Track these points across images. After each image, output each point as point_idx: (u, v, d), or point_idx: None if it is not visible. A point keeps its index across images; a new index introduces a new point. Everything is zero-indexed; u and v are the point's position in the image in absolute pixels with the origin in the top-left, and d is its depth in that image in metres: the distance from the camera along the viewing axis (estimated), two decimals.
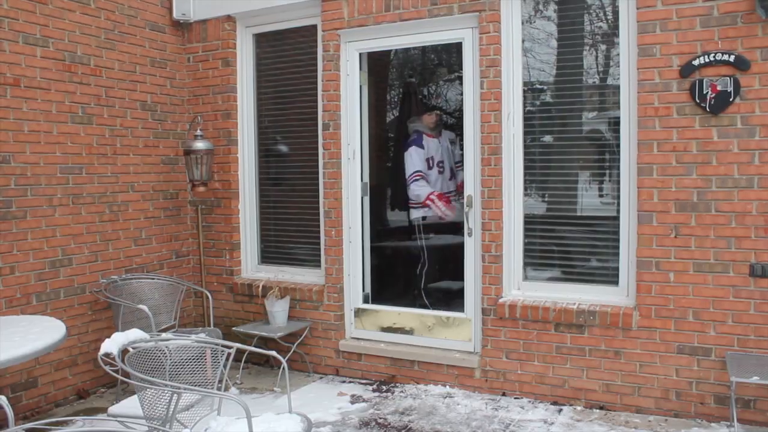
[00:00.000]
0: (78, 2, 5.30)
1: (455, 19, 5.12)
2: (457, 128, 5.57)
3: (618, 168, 4.78)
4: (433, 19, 5.17)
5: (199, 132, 5.83)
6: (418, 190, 5.90)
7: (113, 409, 3.78)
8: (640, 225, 4.62)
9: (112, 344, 3.41)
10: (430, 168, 5.91)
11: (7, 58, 4.87)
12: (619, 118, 4.74)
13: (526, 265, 5.12)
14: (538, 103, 5.15)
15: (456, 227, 5.69)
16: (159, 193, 6.03)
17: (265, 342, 5.58)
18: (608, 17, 4.92)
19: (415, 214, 5.99)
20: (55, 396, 5.17)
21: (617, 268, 4.82)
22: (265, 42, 6.15)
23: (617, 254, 4.81)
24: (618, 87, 4.75)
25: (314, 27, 5.79)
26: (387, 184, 6.78)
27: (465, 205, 5.11)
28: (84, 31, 5.35)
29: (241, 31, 6.11)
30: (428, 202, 5.78)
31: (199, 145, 5.76)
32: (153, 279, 5.69)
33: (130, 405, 3.75)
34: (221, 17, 6.06)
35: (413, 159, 5.86)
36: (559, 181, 5.11)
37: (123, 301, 5.21)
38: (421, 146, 5.85)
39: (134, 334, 3.59)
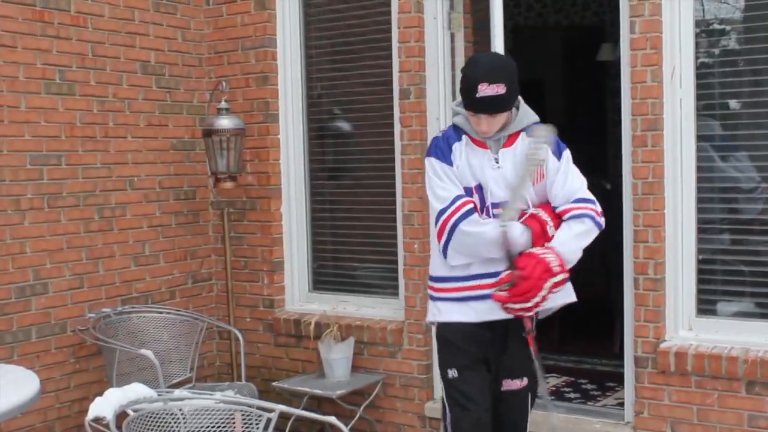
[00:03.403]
0: None
1: None
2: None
3: None
4: None
5: (223, 104, 5.86)
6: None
7: None
8: None
9: (104, 405, 3.42)
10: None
11: None
12: None
13: (700, 293, 4.99)
14: (717, 52, 5.04)
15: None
16: (168, 191, 6.11)
17: (319, 403, 5.59)
18: None
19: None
20: None
21: None
22: None
23: None
24: None
25: None
26: None
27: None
28: None
29: None
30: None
31: (224, 122, 5.79)
32: (161, 313, 5.75)
33: None
34: None
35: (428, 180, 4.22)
36: (751, 167, 4.96)
37: (119, 344, 5.23)
38: (442, 158, 4.14)
39: (135, 391, 3.60)
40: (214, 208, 6.35)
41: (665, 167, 4.95)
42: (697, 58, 4.95)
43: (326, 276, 6.31)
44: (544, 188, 4.06)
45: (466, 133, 4.11)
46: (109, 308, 5.58)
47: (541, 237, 3.97)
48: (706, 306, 5.03)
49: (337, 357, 5.67)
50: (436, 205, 4.09)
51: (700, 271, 5.00)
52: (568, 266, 3.91)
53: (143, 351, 5.14)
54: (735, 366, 4.70)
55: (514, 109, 4.04)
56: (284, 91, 6.23)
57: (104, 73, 5.70)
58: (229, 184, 5.91)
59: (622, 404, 5.20)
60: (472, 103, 3.93)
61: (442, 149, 4.12)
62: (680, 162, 4.96)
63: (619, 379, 5.29)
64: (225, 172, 5.85)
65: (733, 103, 5.02)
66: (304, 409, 5.06)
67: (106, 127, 5.71)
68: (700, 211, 4.99)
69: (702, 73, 4.96)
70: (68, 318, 5.47)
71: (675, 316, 4.98)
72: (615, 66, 5.12)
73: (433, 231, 4.22)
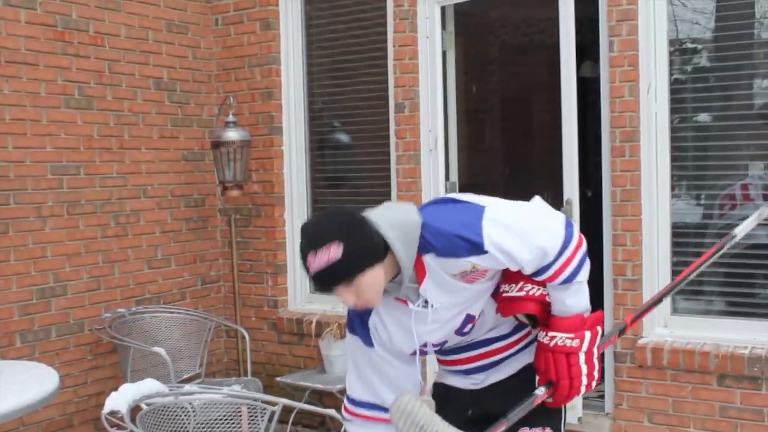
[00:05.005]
0: None
1: None
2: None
3: None
4: None
5: (231, 118, 5.92)
6: None
7: None
8: None
9: (119, 399, 3.45)
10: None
11: None
12: None
13: (675, 293, 4.90)
14: (689, 68, 5.09)
15: None
16: (179, 199, 6.16)
17: (320, 397, 5.63)
18: None
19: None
20: None
21: None
22: None
23: None
24: None
25: None
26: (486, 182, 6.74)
27: None
28: None
29: None
30: None
31: (232, 135, 5.85)
32: (172, 313, 5.81)
33: None
34: None
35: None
36: (721, 176, 5.03)
37: (133, 342, 5.29)
38: (359, 334, 2.93)
39: (148, 386, 3.63)
40: (221, 215, 6.41)
41: (642, 176, 4.97)
42: (671, 74, 4.99)
43: None
44: (492, 279, 2.85)
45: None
46: (123, 308, 5.64)
47: (546, 311, 2.90)
48: (680, 305, 5.07)
49: (337, 354, 5.69)
50: None
51: (674, 273, 4.99)
52: (586, 314, 2.87)
53: (156, 349, 5.19)
54: (707, 360, 4.74)
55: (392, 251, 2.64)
56: (287, 106, 6.28)
57: (120, 89, 5.75)
58: (235, 193, 5.95)
59: (602, 396, 5.20)
60: (312, 280, 2.68)
61: (358, 327, 2.92)
62: (656, 171, 4.99)
63: (600, 372, 5.30)
64: (232, 181, 5.89)
65: (705, 117, 5.05)
66: (306, 402, 5.12)
67: (121, 139, 5.75)
68: (674, 216, 5.02)
69: (676, 89, 5.00)
70: (86, 318, 5.51)
71: (651, 314, 4.92)
72: (595, 82, 5.14)
73: None
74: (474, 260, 2.67)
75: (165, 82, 6.05)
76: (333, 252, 2.53)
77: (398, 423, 2.69)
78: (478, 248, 2.64)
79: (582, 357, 2.83)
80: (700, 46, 5.11)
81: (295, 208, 6.31)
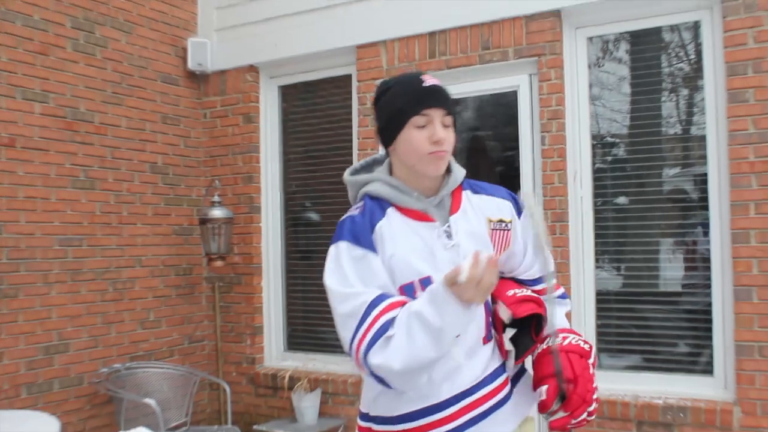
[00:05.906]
0: (82, 53, 5.71)
1: (511, 65, 5.36)
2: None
3: (707, 234, 4.87)
4: (485, 65, 5.42)
5: (216, 198, 6.16)
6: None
7: None
8: (738, 302, 4.64)
9: None
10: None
11: (3, 116, 5.21)
12: (706, 175, 4.86)
13: (599, 351, 5.17)
14: (609, 159, 5.31)
15: None
16: (170, 268, 6.33)
17: None
18: (690, 57, 5.06)
19: None
20: None
21: (711, 355, 4.86)
22: (292, 95, 6.56)
23: (710, 338, 4.87)
24: (704, 138, 4.88)
25: (348, 77, 6.16)
26: None
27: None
28: (88, 85, 5.74)
29: (264, 82, 6.52)
30: None
31: (217, 213, 6.07)
32: (162, 368, 5.94)
33: None
34: (242, 67, 6.45)
35: (333, 289, 2.50)
36: (637, 250, 5.25)
37: (126, 394, 5.44)
38: (360, 241, 2.44)
39: None
40: (207, 282, 6.63)
41: (570, 251, 5.21)
42: (594, 164, 5.26)
43: (298, 338, 6.50)
44: (505, 260, 2.56)
45: (392, 205, 2.49)
46: (119, 364, 5.78)
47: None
48: (603, 361, 5.21)
49: (307, 405, 5.87)
50: (340, 323, 2.50)
51: (599, 334, 5.22)
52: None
53: (147, 400, 5.28)
54: (627, 410, 4.92)
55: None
56: (265, 188, 6.57)
57: (120, 172, 5.97)
58: (219, 263, 6.18)
59: None
60: (420, 96, 2.41)
61: (359, 229, 2.42)
62: (582, 246, 5.23)
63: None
64: (216, 253, 6.13)
65: (623, 200, 5.28)
66: None
67: (120, 215, 5.95)
68: (597, 284, 5.24)
69: (598, 176, 5.27)
70: (85, 372, 5.64)
71: None
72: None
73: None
74: (512, 209, 2.59)
75: (159, 166, 6.28)
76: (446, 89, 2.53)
77: (531, 211, 2.47)
78: (516, 201, 2.61)
79: (592, 369, 2.50)
80: (617, 140, 5.34)
81: (271, 277, 6.54)
